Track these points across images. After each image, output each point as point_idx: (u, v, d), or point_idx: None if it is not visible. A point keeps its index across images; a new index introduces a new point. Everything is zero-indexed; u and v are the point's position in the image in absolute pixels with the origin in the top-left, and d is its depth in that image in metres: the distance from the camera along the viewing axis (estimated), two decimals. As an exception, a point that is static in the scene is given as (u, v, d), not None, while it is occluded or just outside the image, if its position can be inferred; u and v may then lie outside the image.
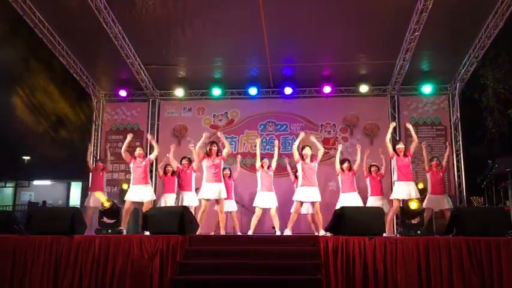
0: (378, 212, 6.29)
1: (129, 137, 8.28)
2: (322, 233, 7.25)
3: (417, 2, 8.26)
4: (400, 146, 8.03)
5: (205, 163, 7.60)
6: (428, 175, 8.55)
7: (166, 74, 11.22)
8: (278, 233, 8.14)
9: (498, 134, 11.31)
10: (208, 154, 7.63)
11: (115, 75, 11.31)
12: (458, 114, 11.01)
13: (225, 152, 7.73)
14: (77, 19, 9.03)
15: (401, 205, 7.45)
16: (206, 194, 7.45)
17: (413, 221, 6.48)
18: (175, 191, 8.58)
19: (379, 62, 10.51)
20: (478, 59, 9.91)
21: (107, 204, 6.62)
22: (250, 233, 8.13)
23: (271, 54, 10.15)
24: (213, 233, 8.23)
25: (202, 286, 5.46)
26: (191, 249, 5.98)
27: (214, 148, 7.62)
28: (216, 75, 11.27)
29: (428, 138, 11.19)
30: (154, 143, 8.52)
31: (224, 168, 8.82)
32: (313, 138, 8.10)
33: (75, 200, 17.47)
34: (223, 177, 8.37)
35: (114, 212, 6.70)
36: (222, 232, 7.61)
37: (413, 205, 6.35)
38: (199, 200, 7.71)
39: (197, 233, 6.99)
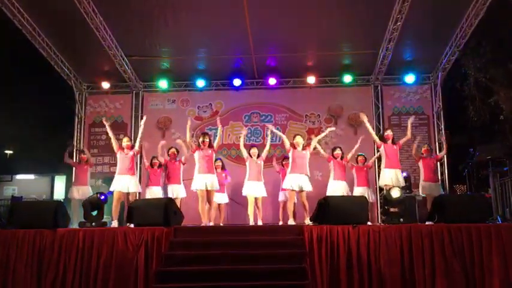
0: (362, 201, 6.34)
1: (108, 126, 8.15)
2: (307, 222, 7.26)
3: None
4: (389, 132, 8.02)
5: (197, 154, 7.56)
6: (420, 163, 8.39)
7: (149, 65, 11.14)
8: (260, 223, 8.18)
9: (480, 122, 11.43)
10: (200, 146, 7.59)
11: (97, 67, 11.17)
12: (441, 104, 11.14)
13: (215, 142, 7.80)
14: (57, 10, 8.90)
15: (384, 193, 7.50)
16: (199, 185, 7.43)
17: (392, 209, 6.55)
18: (163, 184, 8.59)
19: (362, 52, 10.55)
20: (460, 49, 10.01)
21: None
22: (251, 223, 8.11)
23: (255, 45, 10.13)
24: (212, 224, 8.24)
25: (187, 277, 5.46)
26: (176, 240, 5.98)
27: (207, 140, 7.59)
28: (200, 66, 11.22)
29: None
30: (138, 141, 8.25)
31: (216, 160, 8.81)
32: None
33: (59, 194, 17.29)
34: (215, 169, 8.33)
35: (96, 204, 6.66)
36: (210, 223, 7.60)
37: (395, 194, 6.42)
38: (196, 191, 7.63)
39: (201, 225, 7.20)
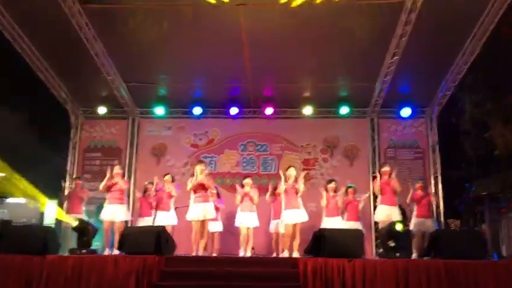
0: (357, 235, 6.27)
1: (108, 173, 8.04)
2: (296, 254, 7.15)
3: (397, 26, 8.41)
4: (386, 168, 8.02)
5: (191, 183, 7.42)
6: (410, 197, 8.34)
7: (146, 92, 11.13)
8: (249, 253, 8.12)
9: (475, 157, 11.45)
10: (195, 174, 7.43)
11: (94, 92, 11.15)
12: (436, 137, 11.15)
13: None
14: (57, 35, 8.94)
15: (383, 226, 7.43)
16: (193, 215, 7.31)
17: (390, 243, 6.48)
18: (153, 211, 8.50)
19: (359, 85, 10.60)
20: (455, 84, 10.09)
21: (74, 224, 6.50)
22: (242, 254, 8.08)
23: (252, 74, 10.17)
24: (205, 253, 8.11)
25: (178, 309, 5.33)
26: (167, 270, 5.85)
27: (202, 168, 7.46)
28: (197, 94, 11.24)
29: (406, 161, 11.29)
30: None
31: None
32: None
33: (50, 218, 17.04)
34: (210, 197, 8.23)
35: (83, 230, 6.56)
36: (203, 253, 7.47)
37: (399, 227, 6.35)
38: (190, 221, 7.51)
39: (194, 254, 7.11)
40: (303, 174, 7.88)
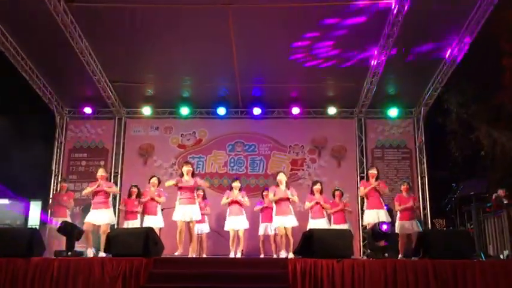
0: (346, 235, 6.26)
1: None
2: (291, 255, 7.16)
3: (384, 26, 8.42)
4: (373, 171, 7.99)
5: (178, 184, 7.40)
6: (396, 201, 8.14)
7: (133, 91, 11.03)
8: (238, 255, 8.16)
9: (461, 157, 11.54)
10: (182, 175, 7.42)
11: (80, 91, 11.02)
12: (423, 138, 11.22)
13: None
14: (42, 34, 8.80)
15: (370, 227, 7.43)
16: (179, 216, 7.28)
17: (380, 244, 6.49)
18: (139, 216, 8.42)
19: (346, 85, 10.61)
20: (442, 85, 10.15)
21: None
22: (231, 255, 8.14)
23: (240, 74, 10.13)
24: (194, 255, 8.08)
25: (166, 311, 5.27)
26: (155, 272, 5.78)
27: (189, 169, 7.42)
28: (185, 94, 11.16)
29: (393, 161, 11.36)
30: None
31: (197, 189, 8.67)
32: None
33: (34, 220, 16.81)
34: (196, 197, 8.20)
35: (69, 232, 6.47)
36: (192, 254, 7.43)
37: (384, 226, 6.35)
38: (176, 222, 7.48)
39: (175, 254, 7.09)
40: (294, 191, 7.90)
